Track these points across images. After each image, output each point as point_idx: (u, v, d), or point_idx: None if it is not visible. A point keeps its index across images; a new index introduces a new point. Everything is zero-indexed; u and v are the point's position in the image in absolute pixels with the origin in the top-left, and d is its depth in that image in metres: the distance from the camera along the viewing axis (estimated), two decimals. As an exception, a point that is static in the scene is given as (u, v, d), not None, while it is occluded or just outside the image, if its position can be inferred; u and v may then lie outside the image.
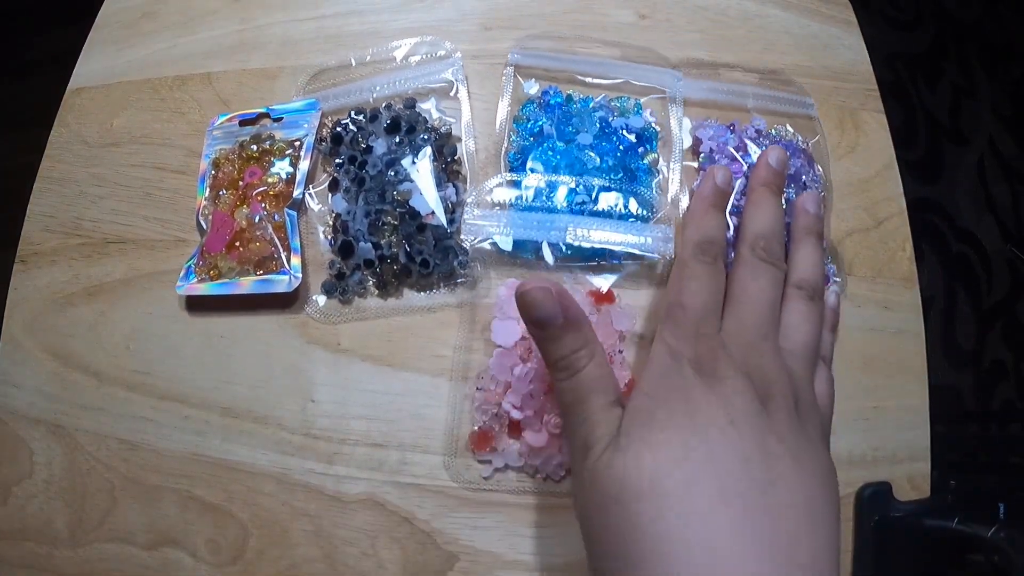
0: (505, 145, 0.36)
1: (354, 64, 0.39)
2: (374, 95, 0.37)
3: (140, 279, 0.35)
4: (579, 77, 0.39)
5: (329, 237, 0.35)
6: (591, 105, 0.37)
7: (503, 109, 0.37)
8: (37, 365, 0.34)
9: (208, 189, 0.36)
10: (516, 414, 0.31)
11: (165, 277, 0.35)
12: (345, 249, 0.33)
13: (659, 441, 0.23)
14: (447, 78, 0.38)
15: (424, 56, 0.39)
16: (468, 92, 0.37)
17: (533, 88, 0.38)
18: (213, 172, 0.36)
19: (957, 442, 0.82)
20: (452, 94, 0.37)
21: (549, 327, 0.25)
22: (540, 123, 0.37)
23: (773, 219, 0.30)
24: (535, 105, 0.37)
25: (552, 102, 0.37)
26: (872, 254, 0.37)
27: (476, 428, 0.32)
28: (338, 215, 0.34)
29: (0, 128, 1.08)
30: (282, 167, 0.36)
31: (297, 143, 0.36)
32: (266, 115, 0.37)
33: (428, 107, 0.37)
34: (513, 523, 0.32)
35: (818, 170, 0.38)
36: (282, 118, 0.37)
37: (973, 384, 1.05)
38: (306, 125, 0.36)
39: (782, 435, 0.24)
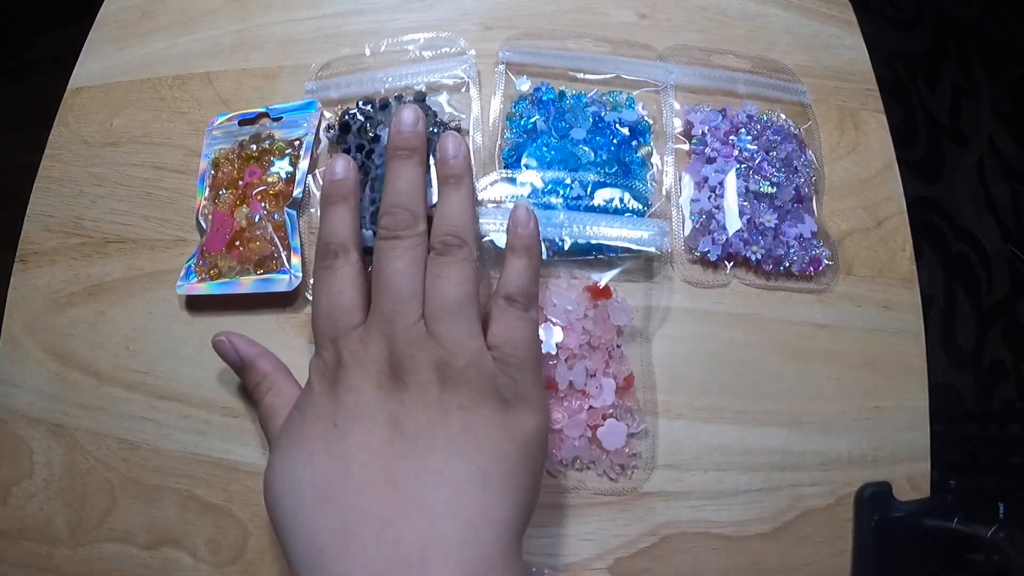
0: (499, 142, 0.37)
1: (369, 54, 0.39)
2: (386, 86, 0.37)
3: (140, 279, 0.35)
4: (571, 73, 0.39)
5: None
6: (584, 100, 0.38)
7: (496, 106, 0.37)
8: (37, 365, 0.34)
9: (208, 189, 0.36)
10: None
11: (165, 277, 0.35)
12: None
13: (280, 460, 0.25)
14: (459, 74, 0.38)
15: (438, 51, 0.39)
16: (479, 89, 0.38)
17: (525, 85, 0.38)
18: (213, 172, 0.36)
19: (957, 442, 0.82)
20: (463, 91, 0.38)
21: (234, 368, 0.31)
22: (533, 119, 0.37)
23: (402, 189, 0.28)
24: (528, 102, 0.38)
25: (544, 98, 0.37)
26: (872, 254, 0.37)
27: None
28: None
29: (0, 128, 1.08)
30: (282, 166, 0.36)
31: (296, 142, 0.36)
32: (265, 115, 0.37)
33: (439, 101, 0.37)
34: (513, 523, 0.32)
35: (810, 155, 0.38)
36: (281, 117, 0.37)
37: (973, 384, 1.05)
38: (305, 124, 0.36)
39: (405, 418, 0.24)
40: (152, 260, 0.36)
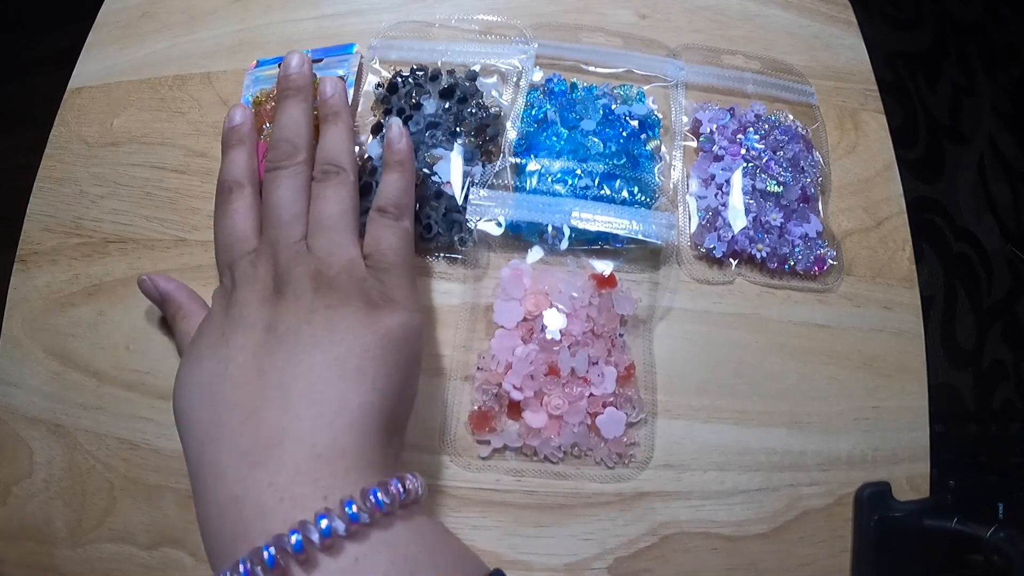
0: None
1: (437, 25, 0.39)
2: (443, 59, 0.38)
3: (140, 279, 0.35)
4: (582, 66, 0.39)
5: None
6: (595, 93, 0.38)
7: (507, 96, 0.38)
8: (37, 365, 0.34)
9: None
10: (516, 395, 0.32)
11: (165, 277, 0.35)
12: (364, 189, 0.34)
13: (180, 371, 0.27)
14: (514, 64, 0.38)
15: (501, 37, 0.39)
16: (529, 81, 0.38)
17: (537, 75, 0.38)
18: (255, 111, 0.36)
19: (957, 442, 0.82)
20: (515, 81, 0.38)
21: (156, 303, 0.33)
22: (544, 110, 0.37)
23: (285, 124, 0.31)
24: (539, 92, 0.38)
25: (556, 89, 0.38)
26: (872, 254, 0.37)
27: (476, 408, 0.32)
28: (370, 158, 0.36)
29: (0, 128, 1.08)
30: None
31: None
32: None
33: (489, 83, 0.38)
34: (513, 523, 0.32)
35: (817, 156, 0.38)
36: (321, 60, 0.38)
37: (973, 384, 1.05)
38: (345, 66, 0.37)
39: (278, 322, 0.26)
40: (152, 260, 0.36)
